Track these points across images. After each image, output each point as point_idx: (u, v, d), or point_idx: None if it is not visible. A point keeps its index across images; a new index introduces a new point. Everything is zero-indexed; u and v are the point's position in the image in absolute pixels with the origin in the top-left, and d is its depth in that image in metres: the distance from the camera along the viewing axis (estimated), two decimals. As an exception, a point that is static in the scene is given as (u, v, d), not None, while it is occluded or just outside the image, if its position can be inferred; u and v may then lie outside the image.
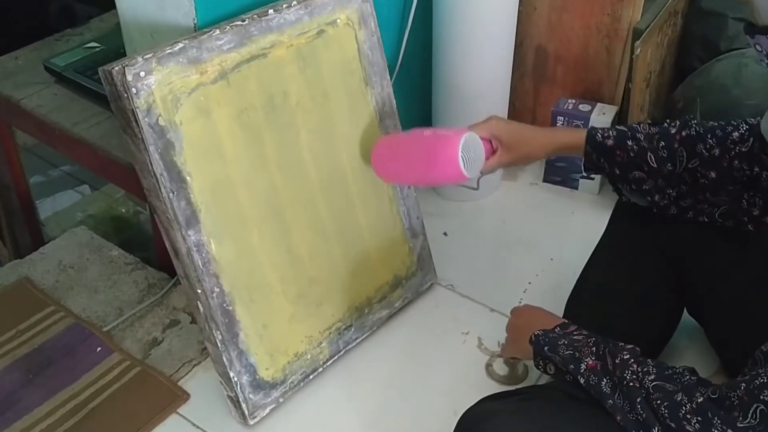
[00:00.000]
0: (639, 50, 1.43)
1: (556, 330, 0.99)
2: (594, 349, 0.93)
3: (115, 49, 1.40)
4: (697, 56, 1.65)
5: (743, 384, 0.75)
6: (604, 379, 0.89)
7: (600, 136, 1.06)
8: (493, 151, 1.11)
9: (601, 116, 1.53)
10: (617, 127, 1.08)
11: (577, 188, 1.63)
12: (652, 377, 0.85)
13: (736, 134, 0.98)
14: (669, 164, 1.02)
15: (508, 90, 1.54)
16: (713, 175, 1.00)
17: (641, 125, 1.06)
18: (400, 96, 1.42)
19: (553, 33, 1.58)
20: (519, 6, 1.52)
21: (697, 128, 1.02)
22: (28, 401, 1.17)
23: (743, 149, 0.98)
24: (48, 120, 1.41)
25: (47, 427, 1.13)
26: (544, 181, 1.66)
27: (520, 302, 1.36)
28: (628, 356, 0.89)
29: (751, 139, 0.97)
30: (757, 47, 0.72)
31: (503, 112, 1.57)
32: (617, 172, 1.07)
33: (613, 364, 0.89)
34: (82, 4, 2.02)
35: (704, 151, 1.00)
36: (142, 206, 1.75)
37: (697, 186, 1.02)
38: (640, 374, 0.86)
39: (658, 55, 1.58)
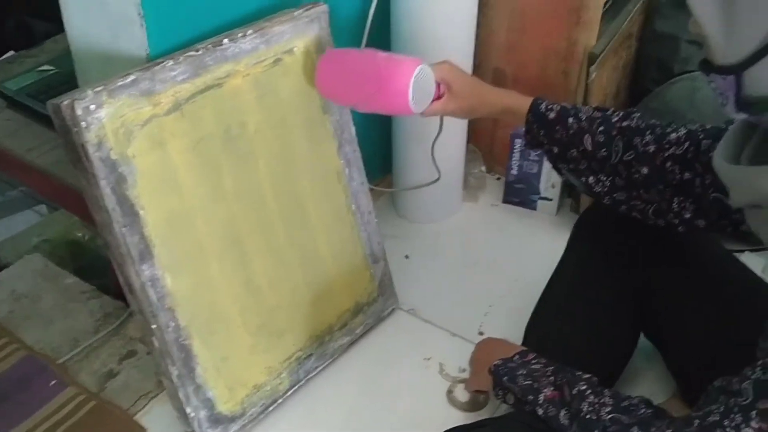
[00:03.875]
0: (594, 74, 1.45)
1: (515, 359, 1.00)
2: (552, 378, 0.93)
3: (70, 73, 1.36)
4: (652, 78, 1.67)
5: (697, 420, 0.75)
6: (563, 411, 0.90)
7: (544, 107, 1.06)
8: (440, 95, 1.09)
9: (560, 138, 1.54)
10: (563, 103, 1.07)
11: (535, 209, 1.64)
12: (609, 409, 0.86)
13: (673, 135, 0.99)
14: (604, 150, 1.02)
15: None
16: (645, 171, 1.00)
17: (587, 107, 1.07)
18: (358, 116, 1.42)
19: (510, 55, 1.59)
20: (477, 28, 1.53)
21: (638, 122, 1.02)
22: (-22, 440, 1.14)
23: (677, 152, 0.98)
24: (1, 146, 1.37)
25: (-2, 468, 1.10)
26: (504, 202, 1.67)
27: (481, 326, 1.37)
28: (585, 387, 0.90)
29: (687, 143, 0.97)
30: (712, 85, 0.73)
31: (462, 133, 1.57)
32: (555, 150, 1.07)
33: (571, 396, 0.90)
34: (39, 21, 1.98)
35: (640, 145, 1.00)
36: (98, 232, 1.71)
37: (631, 180, 1.02)
38: (596, 405, 0.87)
39: (614, 77, 1.61)
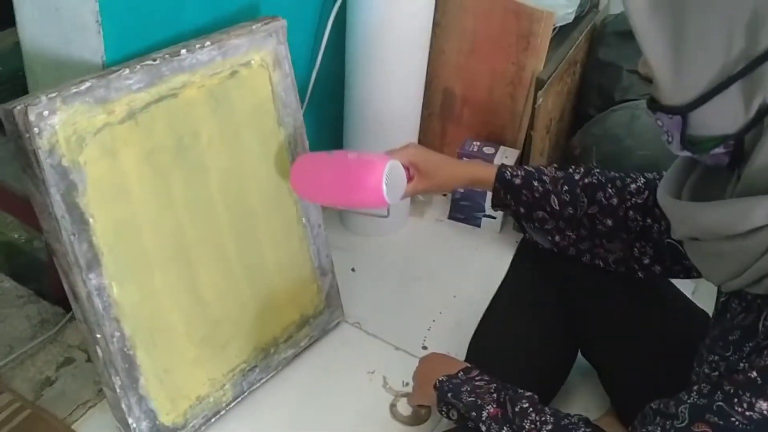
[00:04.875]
0: (541, 100, 1.50)
1: (459, 375, 1.02)
2: (495, 396, 0.96)
3: (14, 71, 1.34)
4: (594, 105, 1.73)
5: None
6: (505, 427, 0.92)
7: (509, 174, 1.11)
8: (410, 178, 1.12)
9: (504, 159, 1.58)
10: (526, 166, 1.12)
11: (479, 226, 1.68)
12: (550, 427, 0.89)
13: (633, 186, 1.04)
14: (570, 208, 1.07)
15: (417, 126, 1.58)
16: (610, 222, 1.06)
17: (548, 168, 1.11)
18: (310, 124, 1.43)
19: (460, 76, 1.63)
20: (428, 48, 1.56)
21: (599, 176, 1.07)
22: None
23: (638, 201, 1.03)
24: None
25: (-75, 478, 1.06)
26: (449, 218, 1.71)
27: (424, 340, 1.39)
28: (527, 404, 0.93)
29: (647, 192, 1.03)
30: (659, 122, 0.76)
31: (412, 150, 1.60)
32: (522, 210, 1.12)
33: (513, 413, 0.93)
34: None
35: (603, 199, 1.06)
36: (35, 234, 1.67)
37: (594, 231, 1.08)
38: (538, 423, 0.90)
39: (559, 102, 1.66)
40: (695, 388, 0.77)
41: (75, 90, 0.92)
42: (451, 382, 1.02)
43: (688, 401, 0.76)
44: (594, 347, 1.20)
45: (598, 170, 1.09)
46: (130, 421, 1.06)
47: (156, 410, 1.09)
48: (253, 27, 1.13)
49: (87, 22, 0.96)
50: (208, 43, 1.06)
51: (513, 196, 1.11)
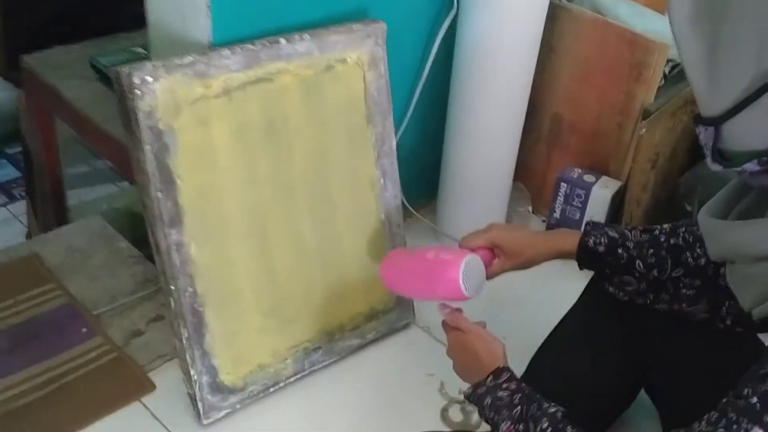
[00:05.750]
0: (644, 130, 1.47)
1: (487, 381, 0.99)
2: (518, 410, 0.94)
3: (156, 57, 1.51)
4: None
5: None
6: None
7: (592, 242, 1.10)
8: (494, 257, 1.15)
9: (604, 189, 1.56)
10: (609, 231, 1.10)
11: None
12: None
13: None
14: (655, 271, 1.06)
15: (516, 147, 1.59)
16: (698, 282, 1.03)
17: (633, 231, 1.10)
18: (412, 132, 1.48)
19: (570, 103, 1.62)
20: (541, 73, 1.58)
21: (686, 236, 1.05)
22: (7, 367, 1.24)
23: None
24: (82, 112, 1.52)
25: (19, 393, 1.21)
26: (543, 243, 1.69)
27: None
28: (546, 425, 0.90)
29: None
30: (699, 136, 0.76)
31: (510, 169, 1.61)
32: (607, 271, 1.12)
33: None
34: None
35: (690, 260, 1.03)
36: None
37: (678, 296, 1.05)
38: None
39: (670, 139, 1.61)
40: (706, 416, 0.74)
41: (178, 62, 1.03)
42: (476, 393, 1.00)
43: (696, 429, 0.74)
44: (658, 387, 1.15)
45: (684, 230, 1.06)
46: (192, 372, 1.15)
47: (217, 367, 1.17)
48: (354, 27, 1.21)
49: (200, 5, 1.08)
50: (307, 36, 1.15)
51: (598, 264, 1.11)
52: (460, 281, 1.08)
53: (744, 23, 0.67)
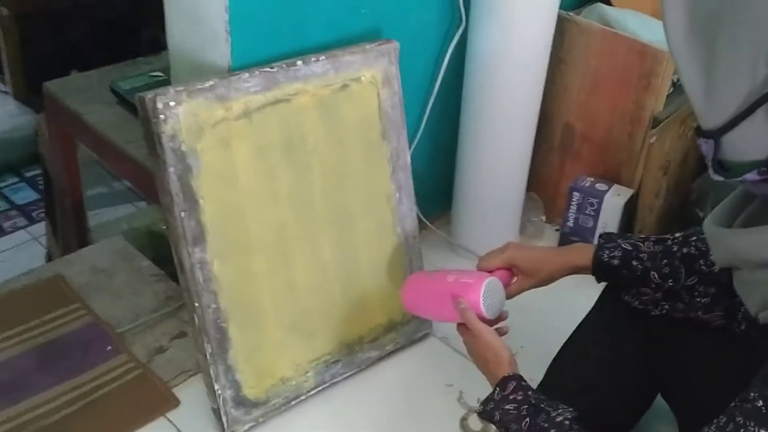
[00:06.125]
0: (654, 138, 1.49)
1: (495, 396, 1.01)
2: (525, 422, 0.95)
3: (175, 80, 1.55)
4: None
5: None
6: None
7: (606, 256, 1.12)
8: (512, 276, 1.18)
9: (616, 197, 1.58)
10: (623, 243, 1.12)
11: (588, 264, 1.67)
12: None
13: None
14: (671, 280, 1.08)
15: (529, 157, 1.61)
16: (713, 290, 1.04)
17: (646, 243, 1.11)
18: (425, 146, 1.50)
19: (581, 113, 1.65)
20: (552, 84, 1.61)
21: (698, 244, 1.07)
22: (35, 385, 1.28)
23: None
24: (104, 136, 1.56)
25: (47, 411, 1.23)
26: (558, 252, 1.71)
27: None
28: None
29: None
30: (701, 148, 0.78)
31: (523, 179, 1.64)
32: (623, 283, 1.14)
33: None
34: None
35: (704, 267, 1.05)
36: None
37: (692, 304, 1.07)
38: None
39: (680, 146, 1.63)
40: (715, 421, 0.76)
41: (200, 86, 1.07)
42: (486, 410, 1.01)
43: None
44: (675, 393, 1.16)
45: (695, 238, 1.08)
46: (216, 387, 1.18)
47: (241, 382, 1.20)
48: (367, 47, 1.24)
49: (219, 31, 1.12)
50: (323, 57, 1.19)
51: (613, 276, 1.13)
52: (481, 304, 1.10)
53: (738, 38, 0.69)
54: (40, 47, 2.52)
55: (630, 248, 1.11)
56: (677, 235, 1.10)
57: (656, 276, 1.08)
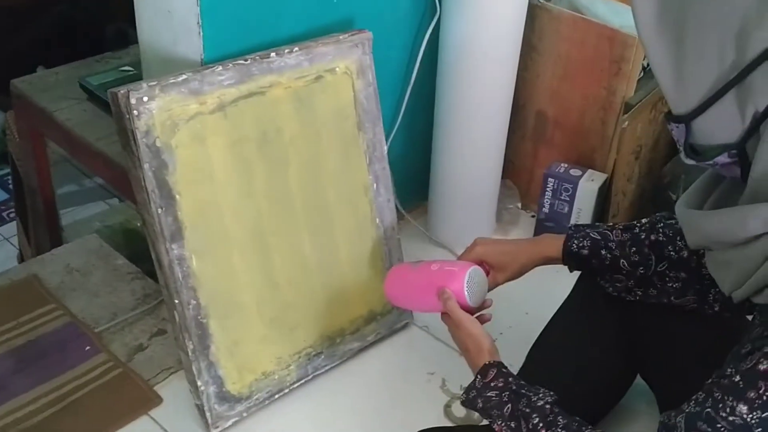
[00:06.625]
0: (626, 123, 1.50)
1: (476, 383, 1.01)
2: (507, 408, 0.96)
3: (145, 75, 1.53)
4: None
5: None
6: None
7: (575, 246, 1.13)
8: (486, 273, 1.18)
9: (590, 182, 1.60)
10: (592, 233, 1.14)
11: (564, 249, 1.68)
12: None
13: None
14: (641, 268, 1.09)
15: (503, 144, 1.62)
16: (684, 275, 1.06)
17: (614, 231, 1.13)
18: (403, 137, 1.50)
19: (553, 100, 1.66)
20: (524, 72, 1.62)
21: (666, 230, 1.08)
22: (14, 388, 1.26)
23: None
24: (74, 133, 1.53)
25: (28, 414, 1.22)
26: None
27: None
28: (537, 420, 0.92)
29: None
30: (672, 132, 0.79)
31: (498, 167, 1.65)
32: (596, 270, 1.15)
33: (527, 429, 0.93)
34: (135, 30, 2.19)
35: (673, 253, 1.06)
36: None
37: (664, 290, 1.09)
38: None
39: (651, 130, 1.65)
40: (694, 397, 0.77)
41: (173, 81, 1.05)
42: (469, 399, 1.02)
43: (686, 410, 0.77)
44: (654, 373, 1.18)
45: (662, 224, 1.09)
46: (199, 383, 1.17)
47: (223, 378, 1.20)
48: (341, 37, 1.23)
49: (191, 24, 1.11)
50: (296, 49, 1.18)
51: (584, 266, 1.15)
52: (465, 292, 1.11)
53: (706, 23, 0.71)
54: (3, 45, 2.47)
55: (598, 237, 1.12)
56: (644, 221, 1.12)
57: (626, 264, 1.10)
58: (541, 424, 0.92)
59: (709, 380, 0.79)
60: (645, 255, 1.08)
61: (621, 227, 1.13)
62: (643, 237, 1.09)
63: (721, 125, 0.73)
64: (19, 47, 2.47)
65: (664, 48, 0.73)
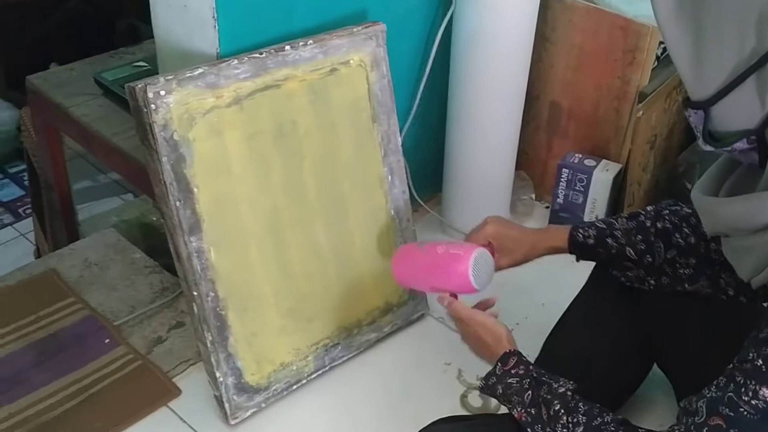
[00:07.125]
0: (641, 113, 1.50)
1: (496, 370, 1.01)
2: (528, 395, 0.96)
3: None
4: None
5: None
6: (537, 426, 0.94)
7: (581, 236, 1.13)
8: (492, 254, 1.18)
9: (605, 172, 1.59)
10: (597, 223, 1.13)
11: (578, 239, 1.68)
12: (581, 429, 0.90)
13: None
14: (648, 256, 1.09)
15: (517, 135, 1.62)
16: (693, 261, 1.06)
17: (619, 220, 1.13)
18: (417, 128, 1.50)
19: (567, 90, 1.66)
20: (537, 63, 1.62)
21: (671, 218, 1.08)
22: (35, 380, 1.28)
23: None
24: (90, 128, 1.54)
25: (49, 406, 1.24)
26: (548, 229, 1.72)
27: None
28: (558, 407, 0.93)
29: None
30: (690, 119, 0.79)
31: (512, 158, 1.65)
32: (604, 260, 1.15)
33: (548, 415, 0.93)
34: (146, 25, 2.20)
35: (681, 240, 1.06)
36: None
37: (677, 278, 1.09)
38: (570, 426, 0.91)
39: (666, 119, 1.65)
40: (715, 382, 0.78)
41: (189, 75, 1.06)
42: (488, 385, 1.02)
43: (707, 395, 0.77)
44: (670, 361, 1.19)
45: (667, 212, 1.09)
46: (217, 374, 1.18)
47: (242, 369, 1.21)
48: (355, 30, 1.24)
49: (206, 18, 1.11)
50: (311, 42, 1.18)
51: (591, 256, 1.15)
52: (470, 275, 1.11)
53: (725, 10, 0.71)
54: (16, 41, 2.49)
55: (604, 226, 1.12)
56: (649, 208, 1.12)
57: (632, 252, 1.10)
58: (562, 411, 0.92)
59: (730, 365, 0.80)
60: (651, 243, 1.08)
61: (626, 216, 1.13)
62: (648, 225, 1.09)
63: (741, 111, 0.73)
64: (31, 44, 2.49)
65: (683, 35, 0.73)
